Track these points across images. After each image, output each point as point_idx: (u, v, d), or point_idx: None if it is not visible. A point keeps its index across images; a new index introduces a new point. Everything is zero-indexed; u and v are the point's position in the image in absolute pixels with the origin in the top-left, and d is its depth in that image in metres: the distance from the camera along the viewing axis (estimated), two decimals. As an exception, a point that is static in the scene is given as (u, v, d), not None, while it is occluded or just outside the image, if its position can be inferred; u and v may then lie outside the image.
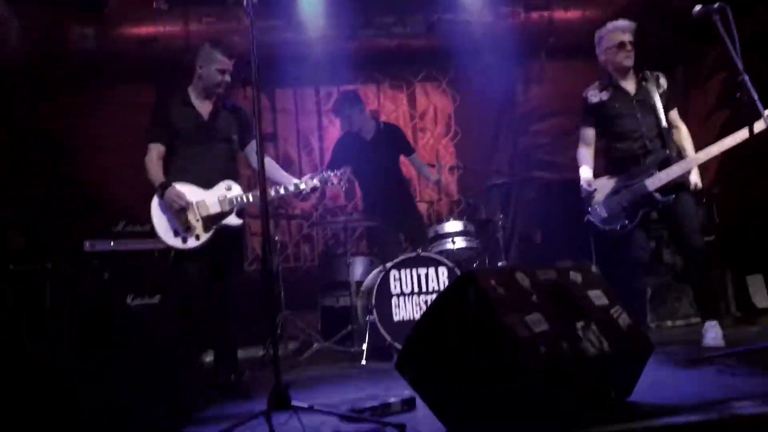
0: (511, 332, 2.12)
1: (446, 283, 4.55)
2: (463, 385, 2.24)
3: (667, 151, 3.94)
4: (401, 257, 4.58)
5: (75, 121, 5.78)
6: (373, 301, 4.43)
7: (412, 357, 2.42)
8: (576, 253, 5.90)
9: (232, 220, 3.79)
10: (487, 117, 6.61)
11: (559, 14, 6.17)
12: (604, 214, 4.04)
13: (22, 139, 5.43)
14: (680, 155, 4.03)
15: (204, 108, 3.91)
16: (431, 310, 2.37)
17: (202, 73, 3.85)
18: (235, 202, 3.76)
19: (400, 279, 4.54)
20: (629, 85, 4.12)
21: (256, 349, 5.85)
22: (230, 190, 3.80)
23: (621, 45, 4.06)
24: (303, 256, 6.27)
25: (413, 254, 4.60)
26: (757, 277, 5.64)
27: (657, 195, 3.88)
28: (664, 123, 3.97)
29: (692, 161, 3.91)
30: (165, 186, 3.72)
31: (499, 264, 4.93)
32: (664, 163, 3.90)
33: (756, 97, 3.00)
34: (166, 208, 3.72)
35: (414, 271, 4.56)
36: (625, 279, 3.96)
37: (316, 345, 4.93)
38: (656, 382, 2.74)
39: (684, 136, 4.08)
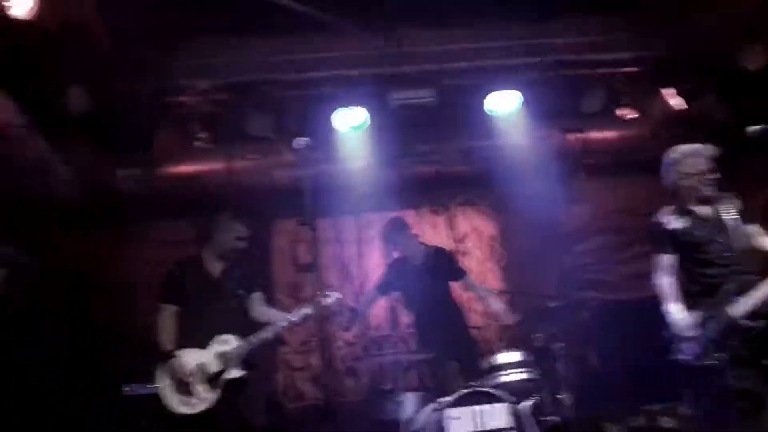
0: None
1: (509, 421, 4.24)
2: None
3: (747, 275, 3.76)
4: (456, 394, 4.30)
5: (114, 260, 5.78)
6: (432, 445, 4.12)
7: None
8: (633, 375, 5.60)
9: (234, 373, 3.97)
10: (531, 239, 6.50)
11: (594, 134, 6.18)
12: (698, 350, 3.77)
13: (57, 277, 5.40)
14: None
15: (215, 268, 4.26)
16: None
17: (219, 239, 4.24)
18: (233, 356, 3.96)
19: (458, 417, 4.23)
20: (704, 210, 3.98)
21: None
22: (225, 344, 4.01)
23: (702, 173, 3.92)
24: (347, 392, 5.98)
25: (469, 390, 4.32)
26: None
27: (744, 321, 3.67)
28: (742, 245, 3.82)
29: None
30: (169, 356, 3.98)
31: (560, 396, 4.61)
32: (746, 287, 3.72)
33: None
34: (169, 376, 3.96)
35: (474, 408, 4.25)
36: (719, 412, 3.70)
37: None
38: None
39: None
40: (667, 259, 4.04)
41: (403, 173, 6.09)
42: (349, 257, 6.35)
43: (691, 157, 3.97)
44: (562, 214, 6.61)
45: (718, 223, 3.93)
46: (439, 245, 5.74)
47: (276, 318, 4.22)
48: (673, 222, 4.00)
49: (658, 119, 6.01)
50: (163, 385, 3.99)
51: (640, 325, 5.62)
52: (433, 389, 4.95)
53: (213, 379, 3.95)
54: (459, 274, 5.31)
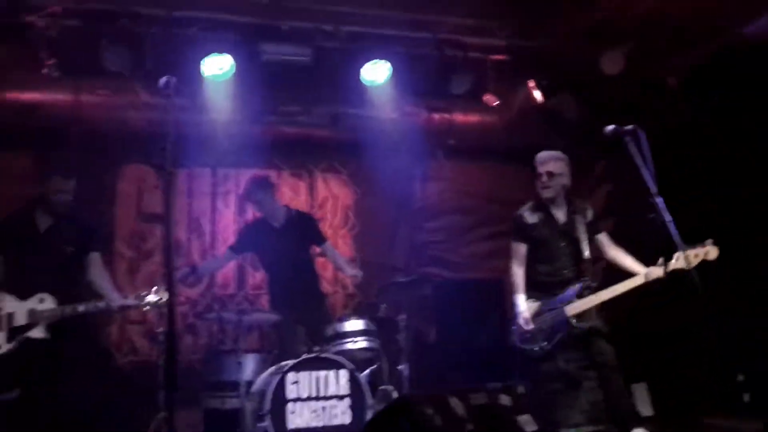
0: (451, 470, 1.94)
1: (347, 388, 4.30)
2: None
3: (586, 282, 4.18)
4: (300, 358, 4.29)
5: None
6: (268, 406, 4.08)
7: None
8: (469, 355, 5.89)
9: (36, 332, 3.96)
10: (385, 211, 6.59)
11: (459, 117, 6.34)
12: (527, 335, 4.23)
13: None
14: (603, 283, 4.21)
15: (44, 223, 4.22)
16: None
17: (45, 194, 4.19)
18: (42, 317, 3.95)
19: (297, 382, 4.23)
20: (559, 213, 4.39)
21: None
22: (43, 302, 4.00)
23: (540, 176, 4.33)
24: (185, 349, 5.78)
25: (312, 355, 4.33)
26: (641, 386, 5.80)
27: (573, 321, 4.14)
28: (586, 254, 4.22)
29: (604, 294, 4.12)
30: None
31: (399, 367, 4.74)
32: (583, 292, 4.16)
33: (669, 218, 3.11)
34: None
35: (313, 374, 4.28)
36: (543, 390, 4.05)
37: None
38: None
39: (622, 254, 4.28)
40: (520, 249, 4.45)
41: (268, 131, 5.91)
42: (201, 211, 6.09)
43: (537, 161, 4.38)
44: (418, 191, 6.76)
45: (567, 227, 4.34)
46: (301, 209, 5.70)
47: (103, 291, 4.23)
48: (528, 216, 4.42)
49: (518, 109, 6.26)
50: None
51: (478, 304, 5.93)
52: (275, 352, 4.92)
53: (15, 332, 3.95)
54: (320, 239, 5.30)
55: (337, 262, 5.37)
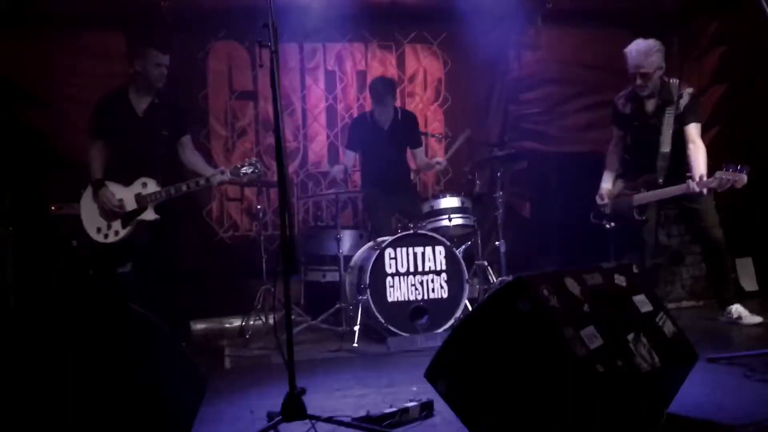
0: (570, 351, 1.90)
1: (443, 263, 4.33)
2: (507, 403, 2.03)
3: (659, 177, 4.22)
4: (397, 235, 4.32)
5: (42, 70, 5.31)
6: (367, 280, 4.17)
7: (446, 367, 2.19)
8: (564, 229, 5.78)
9: (148, 215, 4.11)
10: (478, 83, 6.31)
11: (559, -22, 5.85)
12: (599, 211, 4.49)
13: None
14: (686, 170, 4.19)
15: (141, 105, 4.21)
16: (473, 317, 2.14)
17: (141, 71, 4.15)
18: (149, 200, 4.08)
19: (395, 258, 4.29)
20: (649, 104, 4.33)
21: (233, 319, 5.61)
22: (146, 187, 4.11)
23: (634, 76, 4.23)
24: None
25: (410, 232, 4.34)
26: (746, 261, 5.59)
27: (635, 211, 4.31)
28: (666, 148, 4.21)
29: (660, 192, 4.22)
30: (100, 184, 4.07)
31: (497, 243, 4.72)
32: (652, 186, 4.26)
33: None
34: (96, 203, 4.07)
35: (410, 249, 4.31)
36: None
37: (303, 324, 4.66)
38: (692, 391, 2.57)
39: (696, 154, 4.16)
40: (615, 131, 4.56)
41: (355, 1, 5.69)
42: (292, 87, 6.03)
43: (628, 60, 4.22)
44: (513, 60, 6.41)
45: (654, 119, 4.27)
46: (407, 109, 5.66)
47: (199, 170, 4.28)
48: (622, 106, 4.46)
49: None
50: (86, 210, 4.12)
51: (575, 179, 5.71)
52: (372, 227, 4.99)
53: (128, 217, 4.10)
54: (417, 141, 5.28)
55: (422, 166, 5.37)
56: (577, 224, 4.91)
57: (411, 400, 2.58)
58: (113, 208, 4.04)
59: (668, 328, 2.37)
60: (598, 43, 6.38)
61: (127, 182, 4.12)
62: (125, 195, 4.10)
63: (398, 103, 5.76)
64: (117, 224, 4.09)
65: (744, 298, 5.29)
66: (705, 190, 4.00)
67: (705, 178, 3.97)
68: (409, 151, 5.26)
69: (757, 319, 4.19)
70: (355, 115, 5.85)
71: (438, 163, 5.17)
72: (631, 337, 2.15)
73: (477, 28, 5.92)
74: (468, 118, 6.26)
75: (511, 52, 6.35)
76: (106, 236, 4.08)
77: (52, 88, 5.39)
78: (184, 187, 4.13)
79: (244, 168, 4.18)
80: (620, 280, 2.36)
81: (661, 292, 5.20)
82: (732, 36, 6.03)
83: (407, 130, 5.20)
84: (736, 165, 3.88)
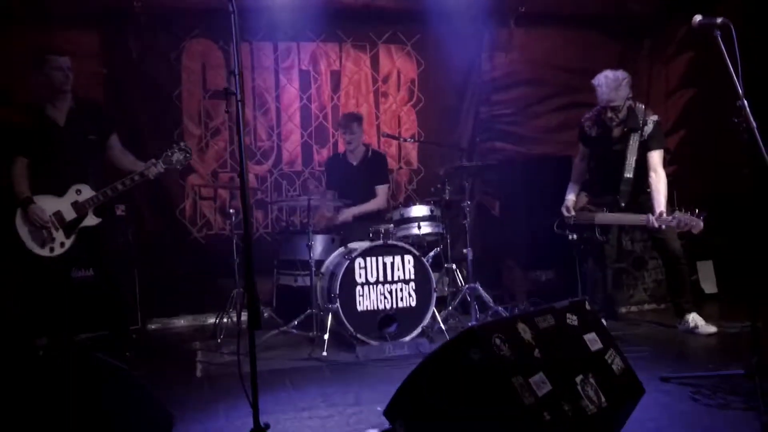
0: (519, 400, 2.01)
1: (412, 273, 4.44)
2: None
3: (622, 201, 4.35)
4: (368, 245, 4.41)
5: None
6: (337, 290, 4.27)
7: (403, 408, 2.30)
8: (532, 229, 5.90)
9: (90, 221, 4.14)
10: (451, 84, 6.36)
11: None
12: (563, 222, 4.64)
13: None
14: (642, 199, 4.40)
15: (58, 114, 4.18)
16: (429, 363, 2.24)
17: (45, 80, 4.11)
18: (87, 206, 4.10)
19: (365, 267, 4.38)
20: (616, 130, 4.46)
21: (204, 317, 5.70)
22: (80, 193, 4.12)
23: (605, 109, 4.37)
24: (256, 223, 6.01)
25: (380, 242, 4.44)
26: (707, 264, 5.77)
27: (597, 230, 4.45)
28: (629, 174, 4.33)
29: (622, 218, 4.36)
30: (28, 202, 4.03)
31: (464, 251, 4.82)
32: (614, 207, 4.38)
33: (755, 125, 2.89)
34: (29, 222, 4.02)
35: (380, 259, 4.41)
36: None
37: (274, 331, 4.75)
38: (641, 416, 2.70)
39: (657, 185, 4.30)
40: (582, 148, 4.75)
41: (330, 0, 5.71)
42: (266, 86, 6.04)
43: (599, 93, 4.32)
44: (486, 62, 6.47)
45: (619, 144, 4.41)
46: (375, 148, 5.86)
47: (132, 166, 4.25)
48: (588, 128, 4.61)
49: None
50: (24, 229, 4.06)
51: (544, 180, 5.82)
52: (341, 233, 5.09)
53: (69, 227, 4.11)
54: (383, 180, 5.49)
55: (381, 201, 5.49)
56: (545, 224, 5.03)
57: (373, 428, 2.69)
58: (44, 224, 4.02)
59: (617, 365, 2.50)
60: (570, 45, 6.47)
61: (60, 192, 4.12)
62: (62, 206, 4.10)
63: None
64: (60, 235, 4.09)
65: (704, 301, 5.51)
66: (663, 226, 4.12)
67: (665, 215, 4.11)
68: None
69: (712, 329, 4.36)
70: (330, 147, 6.15)
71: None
72: (579, 379, 2.27)
73: (451, 29, 5.99)
74: (441, 119, 6.34)
75: (484, 53, 6.41)
76: (52, 249, 4.07)
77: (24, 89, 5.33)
78: (119, 186, 4.13)
79: (175, 155, 4.20)
80: (572, 319, 2.47)
81: (623, 296, 5.39)
82: (700, 42, 6.14)
83: (374, 168, 5.46)
84: (695, 209, 4.01)
